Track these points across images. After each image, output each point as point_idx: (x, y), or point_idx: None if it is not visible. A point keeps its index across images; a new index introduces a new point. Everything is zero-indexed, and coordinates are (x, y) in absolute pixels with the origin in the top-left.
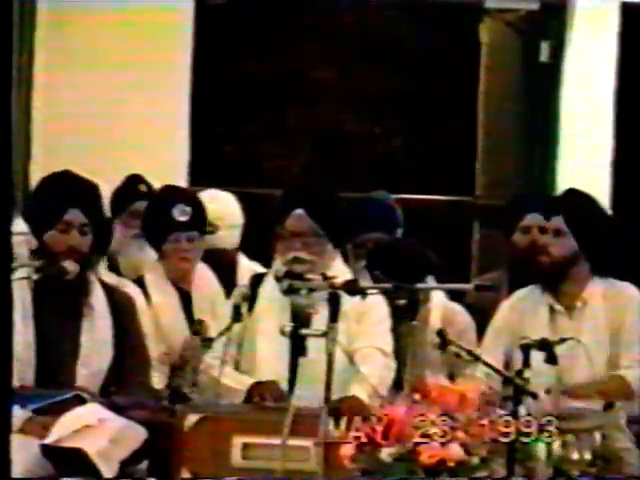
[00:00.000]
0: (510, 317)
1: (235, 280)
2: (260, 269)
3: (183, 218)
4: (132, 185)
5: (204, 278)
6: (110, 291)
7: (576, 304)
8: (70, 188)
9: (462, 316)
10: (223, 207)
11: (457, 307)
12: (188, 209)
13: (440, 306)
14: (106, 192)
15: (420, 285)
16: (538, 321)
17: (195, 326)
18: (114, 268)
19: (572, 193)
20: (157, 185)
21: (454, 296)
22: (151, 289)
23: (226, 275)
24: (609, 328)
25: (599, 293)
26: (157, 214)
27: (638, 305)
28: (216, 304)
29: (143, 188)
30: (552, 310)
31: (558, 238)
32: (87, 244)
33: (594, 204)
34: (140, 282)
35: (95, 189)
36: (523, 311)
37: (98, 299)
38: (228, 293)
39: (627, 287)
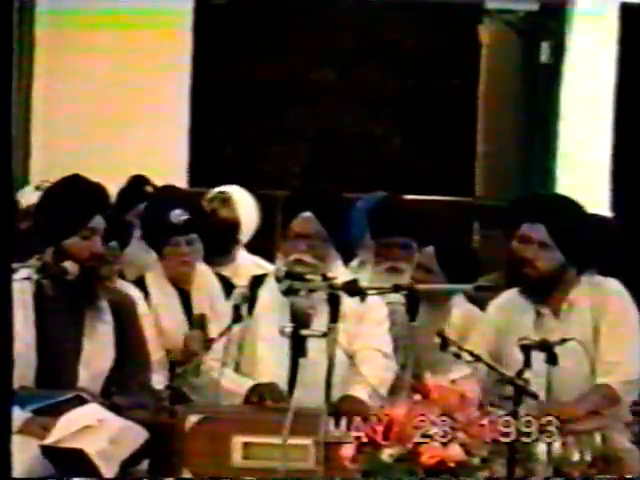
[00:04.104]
0: (497, 318)
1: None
2: (262, 262)
3: (182, 221)
4: (138, 186)
5: (204, 278)
6: (111, 293)
7: (562, 307)
8: (92, 195)
9: (480, 317)
10: (235, 187)
11: (476, 309)
12: (186, 212)
13: (460, 305)
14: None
15: (420, 286)
16: (524, 323)
17: (195, 320)
18: (119, 271)
19: (553, 200)
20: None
21: None
22: (151, 289)
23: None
24: (592, 326)
25: (585, 294)
26: (156, 217)
27: (617, 297)
28: (216, 303)
29: (150, 189)
30: (539, 313)
31: (543, 251)
32: (105, 249)
33: (576, 209)
34: (141, 282)
35: (108, 193)
36: (510, 312)
37: (100, 301)
38: (224, 286)
39: (608, 282)
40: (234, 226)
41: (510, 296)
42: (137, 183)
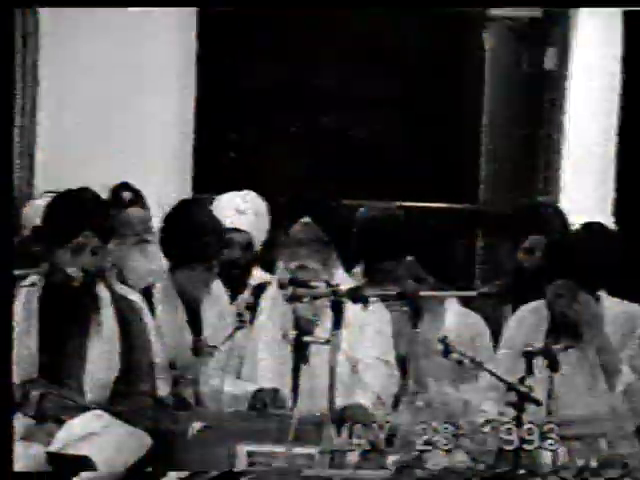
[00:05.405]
0: (518, 330)
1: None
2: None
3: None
4: (116, 194)
5: (216, 295)
6: (118, 300)
7: None
8: (84, 210)
9: (476, 321)
10: (252, 196)
11: (471, 313)
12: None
13: (454, 311)
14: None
15: (423, 293)
16: (541, 336)
17: (194, 345)
18: (122, 279)
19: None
20: (155, 189)
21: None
22: (159, 301)
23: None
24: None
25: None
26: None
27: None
28: (224, 312)
29: (127, 196)
30: None
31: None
32: (98, 263)
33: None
34: (148, 292)
35: (108, 209)
36: (529, 325)
37: (105, 310)
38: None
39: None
40: (247, 269)
41: (529, 310)
42: (115, 192)
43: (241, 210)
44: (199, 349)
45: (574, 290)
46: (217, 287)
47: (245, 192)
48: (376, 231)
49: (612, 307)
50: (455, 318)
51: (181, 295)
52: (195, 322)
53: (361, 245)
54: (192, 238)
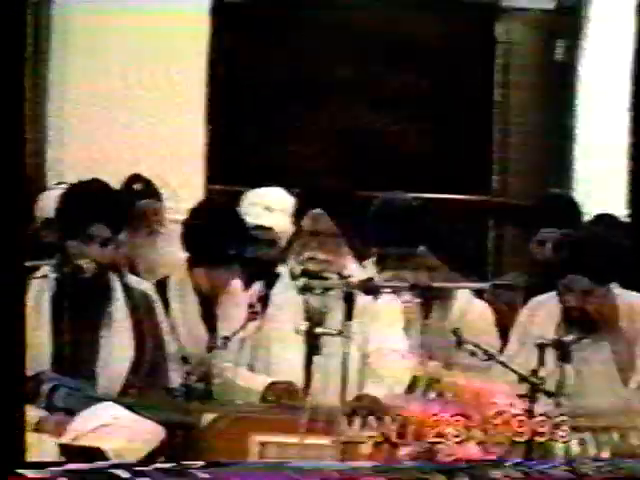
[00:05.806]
0: (530, 322)
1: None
2: None
3: None
4: (128, 186)
5: (234, 293)
6: (130, 291)
7: None
8: (96, 202)
9: (481, 307)
10: (281, 194)
11: (478, 300)
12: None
13: (462, 298)
14: None
15: (436, 284)
16: (554, 328)
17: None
18: (134, 271)
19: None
20: (168, 182)
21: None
22: (173, 294)
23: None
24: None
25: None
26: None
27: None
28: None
29: (138, 187)
30: None
31: None
32: (109, 255)
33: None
34: (162, 285)
35: (122, 201)
36: (541, 317)
37: (118, 301)
38: None
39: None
40: (271, 266)
41: (540, 301)
42: (127, 183)
43: (269, 207)
44: (213, 345)
45: (586, 284)
46: (234, 283)
47: (275, 189)
48: (391, 218)
49: (625, 300)
50: (461, 304)
51: (197, 290)
52: (210, 316)
53: (375, 232)
54: (214, 238)
